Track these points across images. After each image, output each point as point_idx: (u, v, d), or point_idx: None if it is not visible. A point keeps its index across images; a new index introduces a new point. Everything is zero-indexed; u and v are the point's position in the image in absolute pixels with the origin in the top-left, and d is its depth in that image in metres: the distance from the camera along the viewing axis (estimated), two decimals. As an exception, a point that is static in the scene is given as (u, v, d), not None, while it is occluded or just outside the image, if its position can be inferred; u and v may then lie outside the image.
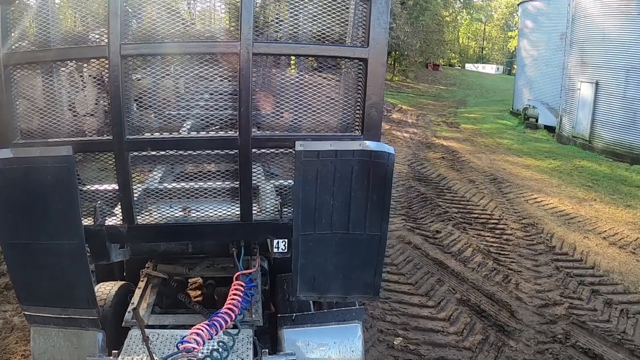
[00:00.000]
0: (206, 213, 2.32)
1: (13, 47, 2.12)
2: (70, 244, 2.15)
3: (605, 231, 6.71)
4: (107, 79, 2.10)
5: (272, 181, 2.54)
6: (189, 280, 3.88)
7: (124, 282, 3.07)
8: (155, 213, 2.34)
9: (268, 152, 2.35)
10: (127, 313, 2.58)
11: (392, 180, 2.22)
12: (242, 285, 2.50)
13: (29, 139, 2.18)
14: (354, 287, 2.34)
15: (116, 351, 2.32)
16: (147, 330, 2.11)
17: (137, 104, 2.24)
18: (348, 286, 2.34)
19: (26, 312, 2.40)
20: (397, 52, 30.49)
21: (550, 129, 14.98)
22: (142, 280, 2.93)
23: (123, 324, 2.51)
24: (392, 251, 5.77)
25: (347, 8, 2.16)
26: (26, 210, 2.14)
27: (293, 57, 2.56)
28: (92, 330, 2.44)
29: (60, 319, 2.45)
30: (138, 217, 2.28)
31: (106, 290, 2.84)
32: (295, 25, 2.19)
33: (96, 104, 2.35)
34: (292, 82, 2.22)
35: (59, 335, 2.47)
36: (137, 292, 2.80)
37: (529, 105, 16.65)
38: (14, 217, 2.15)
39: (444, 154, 11.54)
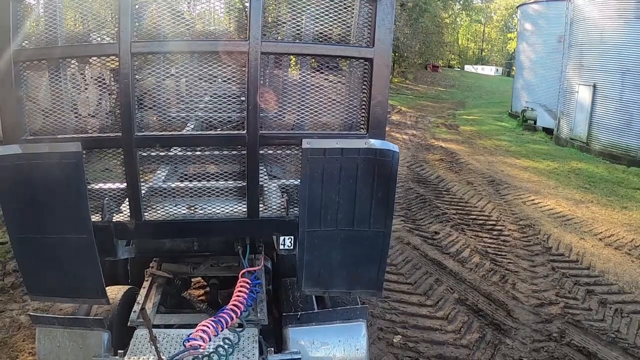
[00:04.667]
0: (213, 210, 2.35)
1: (23, 44, 2.15)
2: (79, 237, 2.18)
3: (601, 232, 6.78)
4: (116, 77, 2.13)
5: (278, 179, 2.57)
6: (192, 280, 3.90)
7: (129, 286, 3.08)
8: (162, 209, 2.37)
9: (274, 151, 2.39)
10: (132, 313, 2.60)
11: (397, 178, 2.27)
12: (247, 283, 2.52)
13: (38, 136, 2.20)
14: (357, 282, 2.38)
15: (122, 351, 2.35)
16: (153, 330, 2.12)
17: (145, 102, 2.27)
18: (352, 281, 2.37)
19: (31, 313, 2.41)
20: (397, 54, 30.53)
21: (548, 131, 15.07)
22: (147, 280, 2.94)
23: (129, 323, 2.53)
24: (391, 252, 5.81)
25: (352, 9, 2.20)
26: (35, 206, 2.16)
27: (299, 57, 2.59)
28: (98, 330, 2.46)
29: (66, 319, 2.47)
30: (146, 214, 2.31)
31: (112, 294, 2.85)
32: (302, 26, 2.22)
33: (105, 101, 2.37)
34: (299, 81, 2.26)
35: (64, 336, 2.48)
36: (142, 292, 2.81)
37: (528, 107, 16.75)
38: (23, 212, 2.17)
39: (442, 156, 11.60)
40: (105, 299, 2.30)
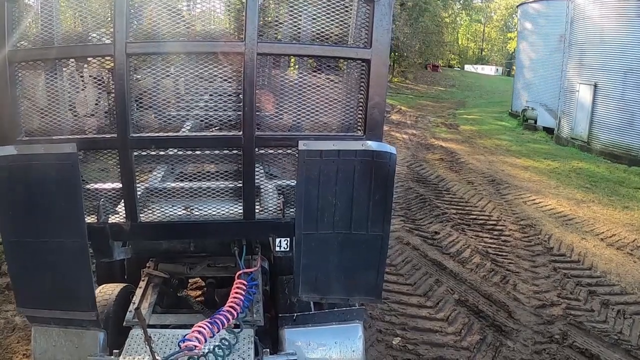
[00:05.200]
0: (209, 211, 2.33)
1: (18, 44, 2.13)
2: (73, 242, 2.16)
3: (602, 232, 6.75)
4: (112, 77, 2.11)
5: (274, 180, 2.55)
6: (189, 280, 3.89)
7: (125, 284, 3.07)
8: (158, 211, 2.35)
9: (270, 152, 2.37)
10: (128, 313, 2.58)
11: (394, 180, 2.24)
12: (243, 284, 2.51)
13: (33, 137, 2.19)
14: (356, 289, 2.35)
15: (117, 351, 2.33)
16: (148, 330, 2.11)
17: (140, 103, 2.25)
18: (350, 287, 2.34)
19: (27, 314, 2.40)
20: (397, 53, 30.51)
21: (549, 130, 15.04)
22: (143, 280, 2.93)
23: (124, 323, 2.51)
24: (390, 252, 5.78)
25: (350, 9, 2.18)
26: (30, 208, 2.14)
27: (296, 58, 2.57)
28: (94, 329, 2.44)
29: (62, 318, 2.45)
30: (141, 215, 2.29)
31: (108, 292, 2.85)
32: (299, 26, 2.20)
33: (101, 102, 2.36)
34: (296, 82, 2.24)
35: (60, 335, 2.46)
36: (138, 292, 2.80)
37: (528, 106, 16.72)
38: (17, 215, 2.15)
39: (442, 156, 11.57)
40: (95, 312, 2.26)
